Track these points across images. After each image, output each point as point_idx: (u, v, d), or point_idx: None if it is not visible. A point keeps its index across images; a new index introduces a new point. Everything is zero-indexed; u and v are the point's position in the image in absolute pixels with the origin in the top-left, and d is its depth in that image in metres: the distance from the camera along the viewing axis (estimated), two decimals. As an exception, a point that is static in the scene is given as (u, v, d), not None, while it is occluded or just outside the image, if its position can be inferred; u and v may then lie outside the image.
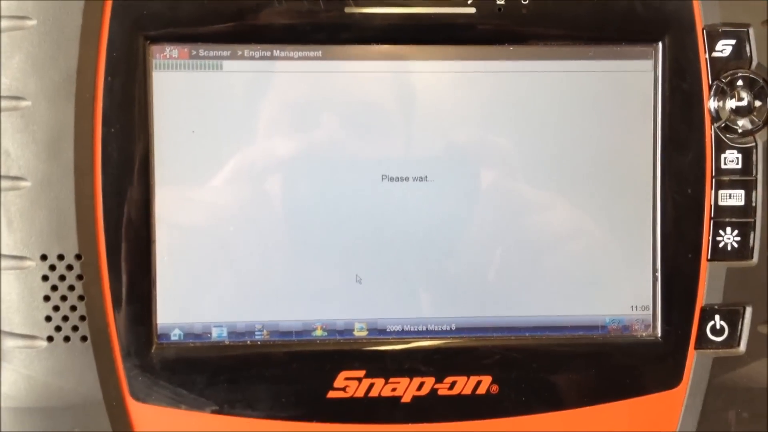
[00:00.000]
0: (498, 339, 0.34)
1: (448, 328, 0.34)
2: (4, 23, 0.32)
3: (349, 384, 0.33)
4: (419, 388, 0.33)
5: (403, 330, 0.34)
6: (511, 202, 0.34)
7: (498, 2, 0.33)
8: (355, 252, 0.34)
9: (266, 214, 0.33)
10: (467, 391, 0.33)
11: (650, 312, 0.34)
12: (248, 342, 0.33)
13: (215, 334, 0.33)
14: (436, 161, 0.34)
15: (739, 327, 0.34)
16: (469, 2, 0.33)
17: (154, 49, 0.33)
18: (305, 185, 0.33)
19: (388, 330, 0.34)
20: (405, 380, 0.33)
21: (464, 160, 0.34)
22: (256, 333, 0.33)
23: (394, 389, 0.33)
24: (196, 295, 0.33)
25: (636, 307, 0.34)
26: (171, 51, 0.33)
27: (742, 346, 0.34)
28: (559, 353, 0.34)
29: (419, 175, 0.34)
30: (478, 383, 0.33)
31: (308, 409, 0.33)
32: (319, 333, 0.34)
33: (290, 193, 0.34)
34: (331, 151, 0.34)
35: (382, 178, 0.34)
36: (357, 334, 0.34)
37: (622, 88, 0.34)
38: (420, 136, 0.34)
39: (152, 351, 0.33)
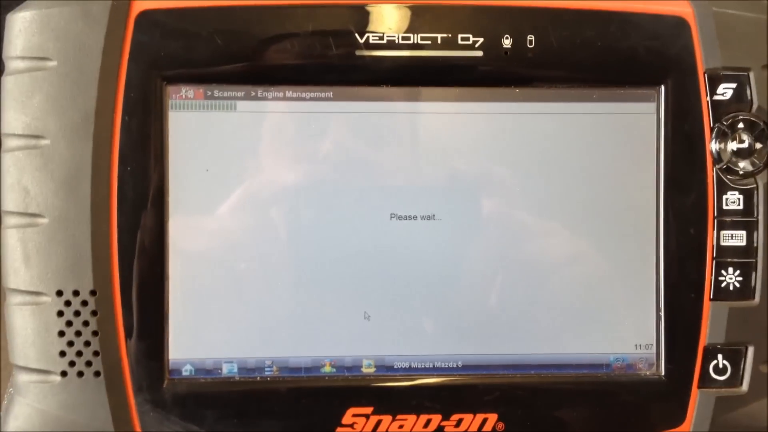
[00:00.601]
0: (504, 377, 0.35)
1: (455, 365, 0.35)
2: (26, 64, 0.34)
3: (356, 420, 0.34)
4: (426, 425, 0.34)
5: (410, 367, 0.35)
6: (517, 242, 0.35)
7: (504, 46, 0.35)
8: (364, 289, 0.35)
9: (276, 252, 0.35)
10: (473, 428, 0.34)
11: (654, 351, 0.35)
12: (258, 378, 0.35)
13: (226, 369, 0.35)
14: (443, 200, 0.35)
15: (742, 366, 0.35)
16: (476, 46, 0.35)
17: (171, 89, 0.34)
18: (315, 224, 0.35)
19: (395, 367, 0.35)
20: (412, 417, 0.34)
21: (471, 199, 0.35)
22: (266, 369, 0.35)
23: (401, 426, 0.34)
24: (207, 331, 0.35)
25: (640, 345, 0.35)
26: (187, 92, 0.34)
27: (745, 386, 0.35)
28: (564, 391, 0.35)
29: (427, 214, 0.35)
30: (485, 421, 0.34)
31: (316, 446, 0.34)
32: (327, 369, 0.35)
33: (300, 231, 0.35)
34: (342, 190, 0.35)
35: (391, 217, 0.35)
36: (365, 370, 0.35)
37: (625, 130, 0.35)
38: (428, 175, 0.35)
39: (164, 386, 0.34)
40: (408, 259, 0.35)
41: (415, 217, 0.35)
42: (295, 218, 0.35)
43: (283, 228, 0.35)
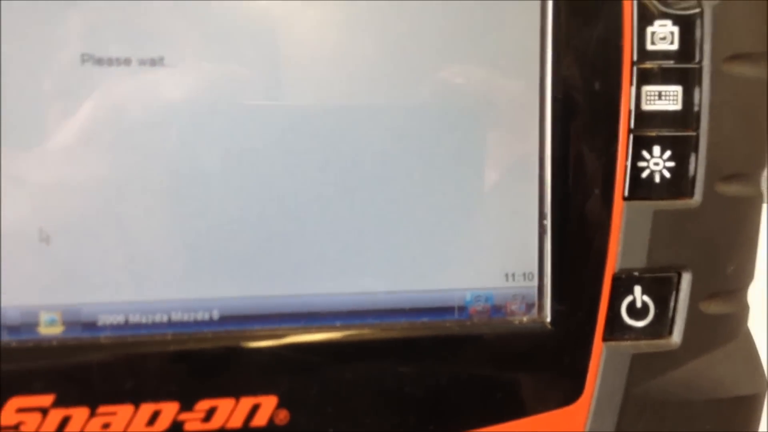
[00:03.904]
0: (288, 332, 0.26)
1: (206, 318, 0.25)
2: None
3: (24, 419, 0.24)
4: (151, 421, 0.24)
5: (126, 322, 0.25)
6: (309, 117, 0.25)
7: None
8: (36, 187, 0.24)
9: None
10: (235, 423, 0.25)
11: (534, 283, 0.27)
12: None
13: None
14: (184, 32, 0.24)
15: (672, 305, 0.28)
16: None
17: None
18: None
19: (99, 324, 0.25)
20: (126, 409, 0.24)
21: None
22: None
23: (106, 426, 0.24)
24: None
25: (513, 275, 0.27)
26: None
27: (677, 335, 0.28)
28: (389, 354, 0.26)
29: (149, 56, 0.24)
30: (255, 408, 0.25)
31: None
32: None
33: None
34: None
35: (83, 60, 0.24)
36: (44, 331, 0.24)
37: None
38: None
39: None
40: (118, 135, 0.24)
41: (129, 62, 0.24)
42: None
43: None
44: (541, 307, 0.28)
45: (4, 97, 0.24)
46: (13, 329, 0.24)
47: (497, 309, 0.27)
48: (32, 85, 0.24)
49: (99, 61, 0.24)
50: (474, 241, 0.27)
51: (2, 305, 0.24)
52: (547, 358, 0.27)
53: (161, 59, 0.25)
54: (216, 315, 0.25)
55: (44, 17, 0.24)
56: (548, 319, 0.28)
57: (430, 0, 0.26)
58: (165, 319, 0.25)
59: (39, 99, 0.24)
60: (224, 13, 0.25)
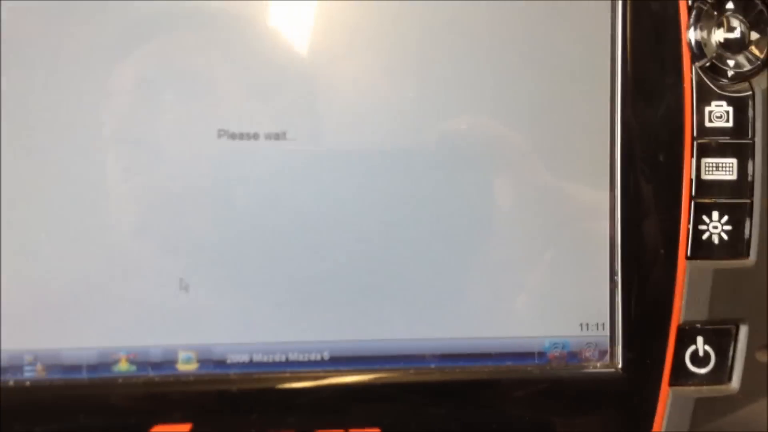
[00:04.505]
0: (391, 373, 0.29)
1: (319, 358, 0.28)
2: None
3: None
4: None
5: (250, 361, 0.28)
6: (412, 175, 0.28)
7: None
8: (179, 245, 0.28)
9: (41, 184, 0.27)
10: None
11: (607, 333, 0.30)
12: (12, 383, 0.27)
13: (-39, 369, 0.26)
14: (300, 110, 0.28)
15: (731, 354, 0.30)
16: None
17: None
18: (102, 142, 0.27)
19: (228, 362, 0.28)
20: None
21: (343, 111, 0.29)
22: (26, 368, 0.27)
23: None
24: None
25: (587, 325, 0.30)
26: None
27: (735, 382, 0.30)
28: (479, 392, 0.29)
29: (275, 131, 0.28)
30: None
31: (104, 483, 0.27)
32: (122, 367, 0.28)
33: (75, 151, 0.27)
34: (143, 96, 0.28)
35: (219, 135, 0.28)
36: (181, 367, 0.28)
37: (569, 17, 0.29)
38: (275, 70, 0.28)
39: None
40: (245, 198, 0.28)
41: (256, 136, 0.28)
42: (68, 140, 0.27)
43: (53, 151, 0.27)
44: (613, 355, 0.30)
45: (154, 167, 0.28)
46: (156, 365, 0.28)
47: (573, 355, 0.30)
48: (175, 156, 0.28)
49: (232, 136, 0.28)
50: (552, 293, 0.30)
51: (147, 345, 0.28)
52: (618, 401, 0.30)
53: (284, 134, 0.29)
54: (327, 356, 0.29)
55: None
56: (620, 366, 0.30)
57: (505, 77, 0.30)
58: (283, 358, 0.28)
59: (180, 169, 0.28)
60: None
